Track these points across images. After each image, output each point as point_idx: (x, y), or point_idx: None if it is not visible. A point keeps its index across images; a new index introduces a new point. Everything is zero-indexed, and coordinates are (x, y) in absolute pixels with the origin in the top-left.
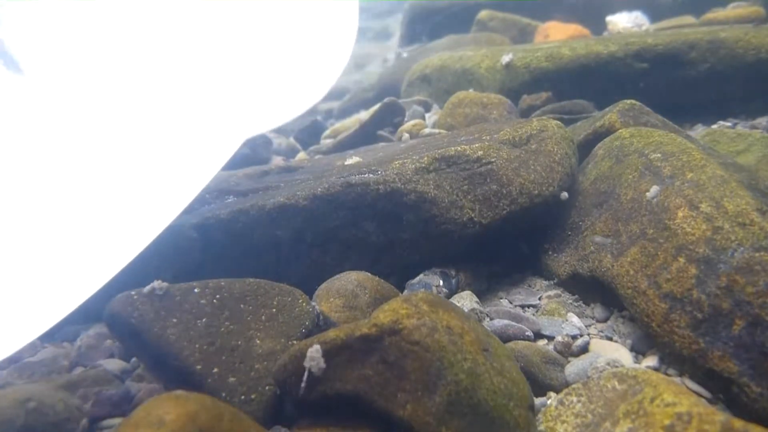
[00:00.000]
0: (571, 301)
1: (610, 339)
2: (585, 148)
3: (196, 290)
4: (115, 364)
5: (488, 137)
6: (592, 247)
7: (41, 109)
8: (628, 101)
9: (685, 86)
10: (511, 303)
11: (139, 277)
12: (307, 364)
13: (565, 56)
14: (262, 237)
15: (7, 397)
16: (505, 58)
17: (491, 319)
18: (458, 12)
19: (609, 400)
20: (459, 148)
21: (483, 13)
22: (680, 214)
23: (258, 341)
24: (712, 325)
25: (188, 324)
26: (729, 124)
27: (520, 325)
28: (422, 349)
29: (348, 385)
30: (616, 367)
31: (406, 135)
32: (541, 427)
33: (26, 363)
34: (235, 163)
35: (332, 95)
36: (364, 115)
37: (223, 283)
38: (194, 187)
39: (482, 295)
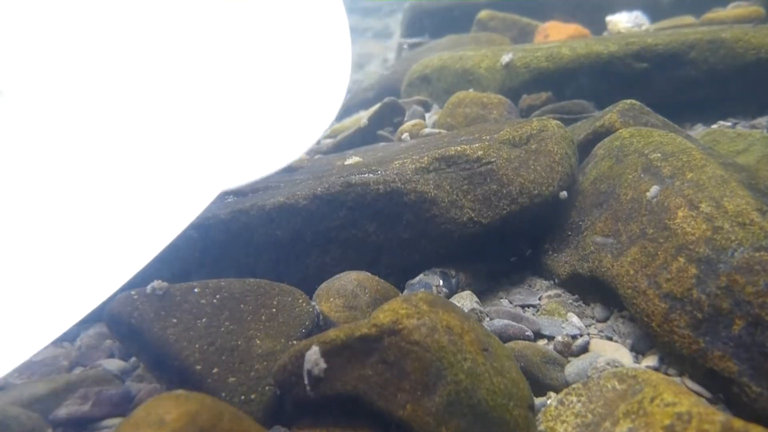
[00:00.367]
0: (571, 301)
1: (610, 339)
2: (585, 148)
3: (196, 290)
4: (115, 364)
5: (488, 137)
6: (592, 247)
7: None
8: (628, 101)
9: (685, 86)
10: (511, 303)
11: (138, 277)
12: (307, 366)
13: (565, 56)
14: (262, 237)
15: None
16: (505, 58)
17: (491, 319)
18: (458, 12)
19: (609, 400)
20: (459, 148)
21: (483, 13)
22: (680, 213)
23: (258, 341)
24: (712, 324)
25: (188, 324)
26: (729, 124)
27: (520, 325)
28: (422, 349)
29: (348, 385)
30: (616, 367)
31: (406, 135)
32: (541, 427)
33: (26, 363)
34: None
35: None
36: (363, 115)
37: (223, 283)
38: (168, 233)
39: (482, 295)
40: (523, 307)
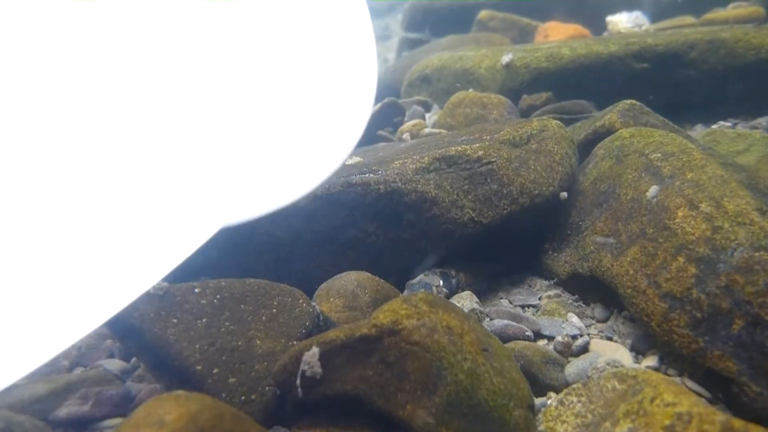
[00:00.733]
0: (571, 301)
1: (610, 339)
2: (585, 148)
3: (196, 290)
4: (115, 364)
5: (488, 137)
6: (592, 247)
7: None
8: (628, 101)
9: (685, 86)
10: (511, 303)
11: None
12: (303, 367)
13: (565, 56)
14: (262, 237)
15: None
16: (505, 58)
17: (491, 319)
18: (458, 12)
19: (609, 400)
20: (459, 148)
21: (483, 13)
22: (680, 213)
23: (258, 342)
24: (711, 324)
25: (188, 324)
26: (729, 124)
27: (520, 325)
28: (422, 350)
29: (348, 385)
30: (616, 367)
31: (407, 135)
32: (541, 427)
33: None
34: None
35: None
36: None
37: (223, 284)
38: (159, 270)
39: (482, 295)
40: (523, 307)
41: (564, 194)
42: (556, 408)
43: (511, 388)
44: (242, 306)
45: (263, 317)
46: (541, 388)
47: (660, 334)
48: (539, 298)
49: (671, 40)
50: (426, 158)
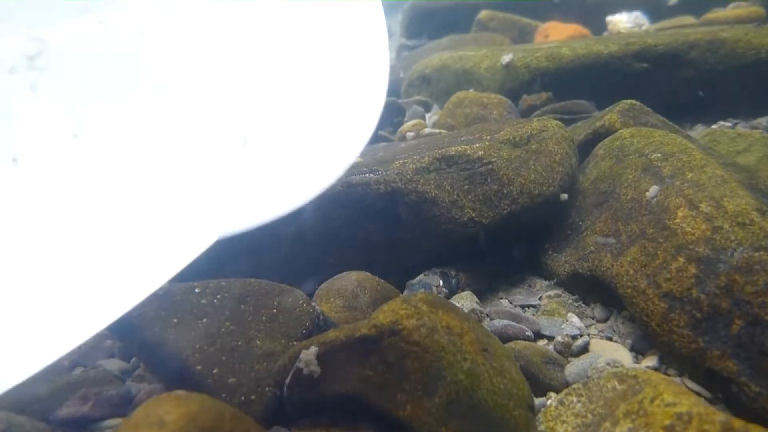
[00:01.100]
0: (571, 301)
1: (610, 339)
2: (585, 148)
3: (196, 290)
4: (115, 365)
5: (488, 137)
6: (592, 247)
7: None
8: (628, 101)
9: (685, 86)
10: (511, 303)
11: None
12: (300, 365)
13: (565, 56)
14: (262, 237)
15: None
16: (505, 58)
17: (491, 319)
18: (458, 12)
19: (609, 400)
20: (459, 148)
21: (483, 13)
22: (680, 213)
23: (258, 342)
24: (711, 324)
25: (188, 324)
26: (729, 124)
27: (520, 325)
28: (422, 350)
29: (348, 385)
30: (616, 367)
31: (407, 135)
32: (541, 428)
33: None
34: None
35: None
36: None
37: (223, 284)
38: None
39: (482, 295)
40: (523, 307)
41: (564, 196)
42: (556, 408)
43: (510, 388)
44: (242, 306)
45: (263, 317)
46: (541, 388)
47: (660, 334)
48: (539, 298)
49: (671, 40)
50: (426, 158)
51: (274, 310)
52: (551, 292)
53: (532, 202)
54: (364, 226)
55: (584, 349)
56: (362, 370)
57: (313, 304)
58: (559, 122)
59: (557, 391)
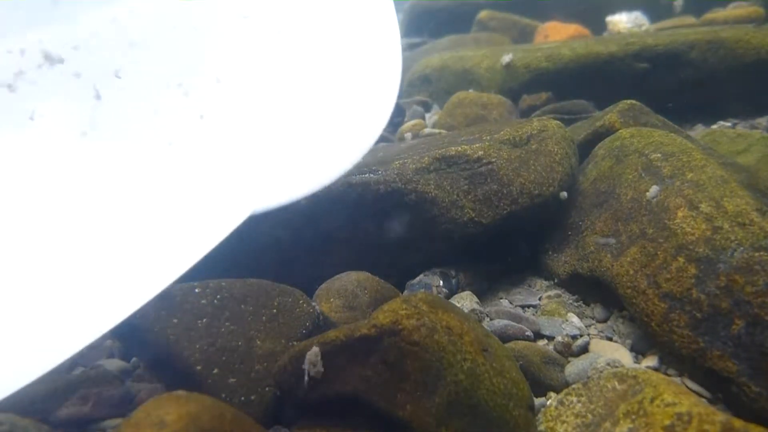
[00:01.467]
0: (571, 301)
1: (610, 339)
2: (585, 148)
3: (196, 290)
4: (115, 365)
5: (488, 137)
6: (592, 247)
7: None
8: (628, 101)
9: (685, 86)
10: (511, 303)
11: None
12: (305, 366)
13: (565, 56)
14: (262, 237)
15: None
16: (505, 58)
17: (491, 319)
18: (458, 12)
19: (609, 400)
20: (459, 148)
21: (483, 13)
22: (680, 214)
23: (258, 342)
24: (711, 324)
25: (189, 324)
26: (729, 124)
27: (519, 325)
28: (422, 350)
29: (348, 385)
30: (616, 367)
31: (407, 135)
32: (541, 428)
33: None
34: None
35: None
36: None
37: (223, 284)
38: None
39: (482, 295)
40: (523, 307)
41: (564, 194)
42: (556, 408)
43: (510, 388)
44: (242, 306)
45: (263, 317)
46: (541, 388)
47: (660, 334)
48: (539, 298)
49: (671, 40)
50: (426, 158)
51: (274, 310)
52: (551, 292)
53: (532, 202)
54: (365, 226)
55: (584, 349)
56: (362, 370)
57: (313, 304)
58: (559, 122)
59: (557, 391)
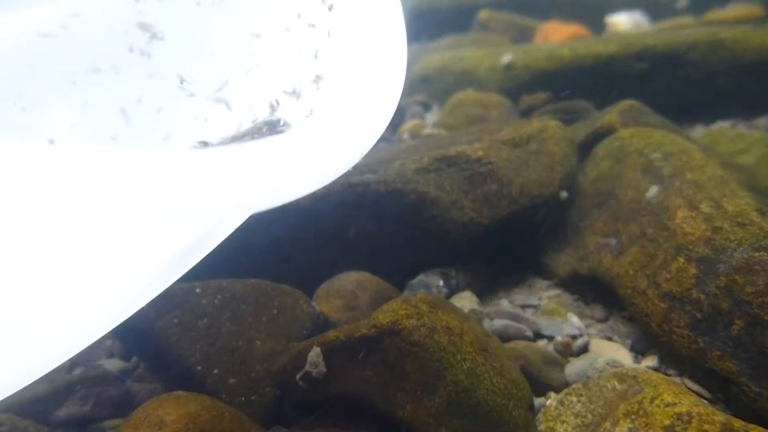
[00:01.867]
0: (571, 301)
1: (610, 339)
2: (585, 148)
3: (197, 290)
4: (115, 364)
5: (488, 137)
6: (592, 247)
7: None
8: (628, 101)
9: (685, 86)
10: (511, 303)
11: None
12: (308, 368)
13: (565, 57)
14: (262, 237)
15: None
16: (505, 59)
17: (491, 319)
18: (458, 12)
19: (609, 400)
20: (459, 149)
21: (483, 14)
22: (680, 214)
23: (259, 342)
24: (711, 324)
25: (189, 324)
26: (729, 124)
27: (519, 325)
28: (422, 350)
29: (348, 385)
30: (616, 367)
31: (407, 135)
32: (541, 427)
33: None
34: None
35: None
36: None
37: (224, 284)
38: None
39: (482, 295)
40: (523, 307)
41: (564, 194)
42: (556, 408)
43: (510, 388)
44: (243, 306)
45: (264, 318)
46: (540, 388)
47: (660, 335)
48: (539, 298)
49: (671, 40)
50: (426, 158)
51: (275, 311)
52: (551, 292)
53: (532, 202)
54: (364, 226)
55: (584, 349)
56: (362, 371)
57: (313, 304)
58: (558, 122)
59: (557, 391)
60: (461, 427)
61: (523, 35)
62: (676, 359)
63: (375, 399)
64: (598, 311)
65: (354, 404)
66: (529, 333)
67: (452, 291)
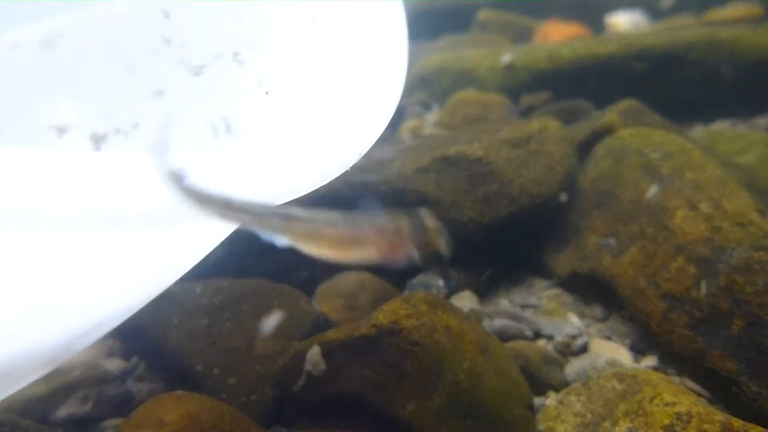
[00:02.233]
0: (570, 300)
1: (610, 339)
2: (585, 148)
3: (197, 290)
4: (115, 364)
5: (488, 137)
6: (592, 247)
7: None
8: (628, 101)
9: (685, 86)
10: (511, 303)
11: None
12: (308, 367)
13: (565, 56)
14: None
15: None
16: (505, 59)
17: (491, 319)
18: (458, 12)
19: (608, 399)
20: (459, 149)
21: (483, 14)
22: (679, 214)
23: (259, 342)
24: (711, 324)
25: (189, 324)
26: (728, 123)
27: (519, 325)
28: (421, 350)
29: (348, 385)
30: (616, 366)
31: (407, 135)
32: (541, 427)
33: None
34: None
35: None
36: None
37: (224, 284)
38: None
39: (482, 295)
40: (523, 307)
41: (564, 194)
42: (556, 407)
43: (510, 387)
44: (243, 306)
45: (264, 318)
46: (540, 387)
47: (660, 334)
48: (539, 298)
49: (670, 40)
50: (426, 158)
51: (275, 311)
52: (551, 292)
53: (532, 202)
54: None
55: (584, 349)
56: (362, 370)
57: (313, 304)
58: (558, 122)
59: (557, 391)
60: (461, 426)
61: (523, 35)
62: (676, 359)
63: (375, 399)
64: (598, 311)
65: (354, 404)
66: (528, 333)
67: (452, 291)
